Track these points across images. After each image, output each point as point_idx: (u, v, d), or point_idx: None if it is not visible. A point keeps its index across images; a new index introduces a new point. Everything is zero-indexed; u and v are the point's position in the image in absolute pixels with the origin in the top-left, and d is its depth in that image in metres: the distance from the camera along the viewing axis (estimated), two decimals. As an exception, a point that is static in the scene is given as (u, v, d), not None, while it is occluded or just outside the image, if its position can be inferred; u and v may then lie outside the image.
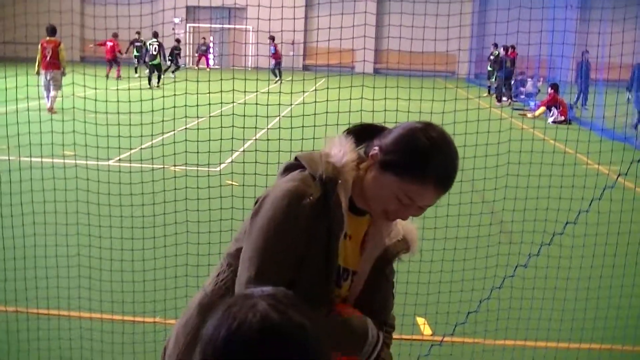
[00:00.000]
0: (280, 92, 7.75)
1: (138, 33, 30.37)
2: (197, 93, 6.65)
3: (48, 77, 18.02)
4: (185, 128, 7.35)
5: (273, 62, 33.03)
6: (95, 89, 7.02)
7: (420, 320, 5.94)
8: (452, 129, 6.16)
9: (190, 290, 5.43)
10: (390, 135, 2.30)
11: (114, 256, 6.21)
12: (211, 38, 41.18)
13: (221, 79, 6.71)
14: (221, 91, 6.62)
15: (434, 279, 5.77)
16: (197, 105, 6.79)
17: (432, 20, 7.51)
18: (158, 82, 26.32)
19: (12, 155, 7.48)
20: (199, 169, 7.74)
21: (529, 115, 21.77)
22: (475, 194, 8.47)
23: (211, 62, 38.94)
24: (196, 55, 38.01)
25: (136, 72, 31.48)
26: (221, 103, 6.90)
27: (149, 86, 24.64)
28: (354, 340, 2.35)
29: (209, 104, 6.81)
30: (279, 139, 6.70)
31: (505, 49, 27.51)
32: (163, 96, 6.96)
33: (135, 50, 32.16)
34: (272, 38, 31.75)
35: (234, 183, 8.03)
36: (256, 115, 6.94)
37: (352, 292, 2.47)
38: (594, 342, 5.48)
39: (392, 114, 6.62)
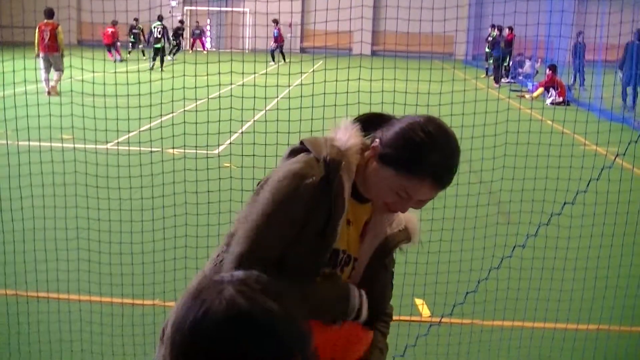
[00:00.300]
0: (278, 73, 7.75)
1: (136, 20, 30.46)
2: (195, 75, 6.64)
3: (49, 60, 18.18)
4: (184, 110, 7.35)
5: (274, 44, 32.90)
6: (94, 72, 7.01)
7: (418, 301, 5.96)
8: (450, 110, 6.20)
9: (190, 272, 5.45)
10: (392, 129, 2.30)
11: (113, 239, 6.22)
12: (208, 21, 41.06)
13: (219, 61, 6.70)
14: (219, 73, 6.61)
15: (432, 260, 5.78)
16: (196, 88, 6.79)
17: (429, 1, 7.49)
18: (162, 65, 26.33)
19: (10, 139, 7.48)
20: (197, 151, 7.74)
21: (527, 96, 21.75)
22: (473, 174, 8.48)
23: (208, 45, 38.83)
24: (190, 39, 37.96)
25: (128, 54, 31.62)
26: (219, 85, 6.90)
27: (151, 68, 24.62)
28: (336, 298, 2.37)
29: (207, 86, 6.81)
30: (277, 120, 6.70)
31: (500, 29, 27.52)
32: (161, 79, 6.96)
33: (132, 36, 32.20)
34: (276, 21, 31.68)
35: (232, 166, 8.04)
36: (254, 97, 6.93)
37: (352, 279, 2.48)
38: (591, 323, 5.51)
39: (389, 95, 6.62)
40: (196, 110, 6.81)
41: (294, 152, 2.39)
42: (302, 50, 41.58)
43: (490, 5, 27.01)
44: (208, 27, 40.47)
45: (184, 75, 6.85)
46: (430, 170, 2.21)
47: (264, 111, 9.39)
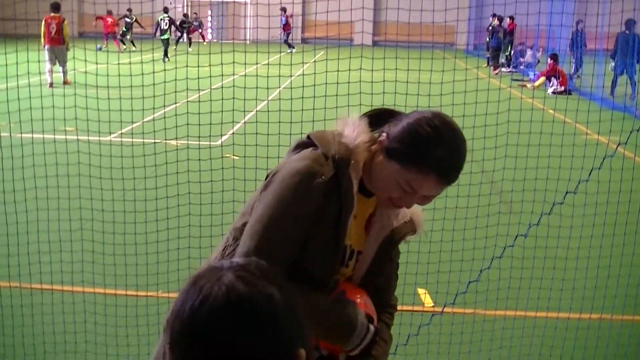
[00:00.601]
0: (280, 64, 7.75)
1: (129, 10, 30.66)
2: (198, 66, 6.65)
3: (54, 53, 18.60)
4: (187, 101, 7.35)
5: (284, 34, 33.16)
6: (97, 63, 7.02)
7: (421, 291, 5.98)
8: (451, 100, 6.20)
9: (193, 262, 5.47)
10: (399, 123, 2.29)
11: (117, 229, 6.23)
12: (209, 12, 40.98)
13: (221, 52, 6.71)
14: (222, 64, 6.61)
15: (435, 249, 5.80)
16: (198, 78, 6.79)
17: (430, -10, 7.48)
18: (168, 56, 26.64)
19: (14, 131, 7.49)
20: (200, 143, 7.75)
21: (529, 85, 21.73)
22: (475, 164, 8.48)
23: (209, 35, 38.79)
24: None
25: (124, 44, 31.76)
26: (222, 75, 6.91)
27: (167, 59, 25.21)
28: (340, 327, 2.33)
29: (210, 76, 6.82)
30: (279, 111, 6.70)
31: (500, 18, 27.54)
32: (164, 69, 6.96)
33: (124, 26, 32.46)
34: (284, 9, 31.85)
35: (234, 157, 8.05)
36: (256, 88, 6.94)
37: (356, 272, 2.48)
38: (593, 312, 5.52)
39: (390, 85, 6.63)
40: (199, 101, 6.81)
41: (300, 146, 2.39)
42: (304, 40, 41.52)
43: (491, -6, 27.02)
44: (209, 19, 40.41)
45: (187, 66, 6.87)
46: (435, 165, 2.21)
47: (266, 101, 9.40)
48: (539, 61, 27.04)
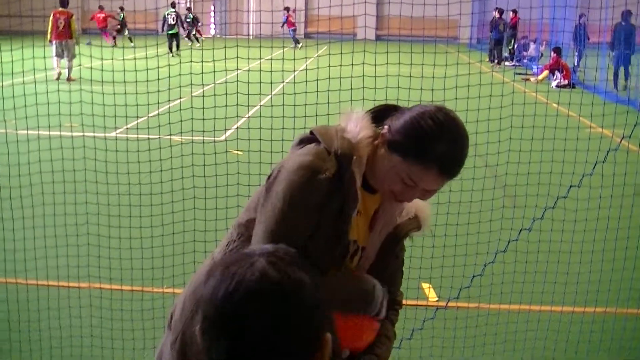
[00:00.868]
0: (283, 59, 7.75)
1: (121, 8, 30.98)
2: (202, 61, 6.66)
3: (62, 47, 18.85)
4: (191, 96, 7.37)
5: (290, 30, 33.58)
6: (102, 59, 7.03)
7: (425, 285, 5.99)
8: (454, 94, 6.20)
9: (198, 256, 5.48)
10: (402, 117, 2.29)
11: (123, 223, 6.25)
12: (212, 7, 40.91)
13: (225, 47, 6.71)
14: (225, 59, 6.62)
15: (439, 244, 5.80)
16: (202, 73, 6.80)
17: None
18: (178, 49, 26.97)
19: (19, 126, 7.51)
20: (204, 138, 7.75)
21: (532, 79, 21.70)
22: (479, 158, 8.48)
23: (212, 31, 38.73)
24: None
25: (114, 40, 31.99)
26: (225, 70, 6.91)
27: (171, 54, 25.47)
28: (361, 295, 2.37)
29: (214, 71, 6.82)
30: (283, 105, 6.71)
31: (500, 12, 27.53)
32: (169, 65, 6.98)
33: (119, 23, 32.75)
34: (287, 9, 32.27)
35: (237, 152, 8.06)
36: (260, 82, 6.94)
37: (361, 268, 2.48)
38: (598, 305, 5.52)
39: (393, 79, 6.62)
40: (203, 96, 6.83)
41: (303, 141, 2.39)
42: (307, 35, 41.47)
43: (495, -12, 27.05)
44: (212, 14, 40.34)
45: (191, 61, 6.87)
46: (436, 159, 2.21)
47: (270, 96, 9.41)
48: (542, 55, 27.00)
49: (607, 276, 5.64)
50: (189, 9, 33.04)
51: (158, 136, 7.99)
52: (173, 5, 28.00)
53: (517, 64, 27.65)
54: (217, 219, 5.87)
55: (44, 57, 9.88)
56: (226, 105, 6.64)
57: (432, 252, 5.73)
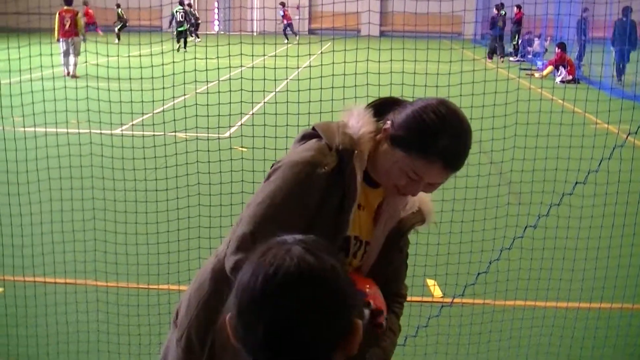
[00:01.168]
0: (287, 55, 7.76)
1: (118, 5, 31.10)
2: (206, 58, 6.66)
3: (69, 44, 19.16)
4: (196, 93, 7.38)
5: (285, 23, 33.69)
6: (108, 56, 7.04)
7: (430, 282, 5.99)
8: (459, 90, 6.19)
9: (203, 253, 5.49)
10: (404, 111, 2.29)
11: (128, 219, 6.26)
12: (216, 4, 40.89)
13: (229, 44, 6.71)
14: (229, 55, 6.62)
15: (444, 241, 5.80)
16: (207, 70, 6.80)
17: (437, -20, 7.45)
18: (185, 46, 27.47)
19: (27, 123, 7.53)
20: (209, 134, 7.75)
21: (537, 75, 21.66)
22: (483, 155, 8.47)
23: (216, 28, 38.74)
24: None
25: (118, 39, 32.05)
26: (229, 67, 6.92)
27: (185, 50, 25.95)
28: None
29: (218, 68, 6.82)
30: (287, 102, 6.71)
31: (500, 8, 27.59)
32: (173, 62, 6.97)
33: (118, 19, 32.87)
34: (283, 4, 32.37)
35: (242, 149, 8.06)
36: (264, 79, 6.94)
37: (365, 262, 2.48)
38: (604, 302, 5.51)
39: (397, 76, 6.62)
40: (207, 93, 6.82)
41: (305, 137, 2.39)
42: (310, 31, 41.42)
43: (499, -16, 27.05)
44: (216, 11, 40.34)
45: (195, 58, 6.87)
46: (440, 152, 2.21)
47: (274, 93, 9.40)
48: (546, 50, 26.96)
49: (612, 272, 5.63)
50: (189, 5, 33.06)
51: (163, 133, 8.00)
52: (181, 2, 28.21)
53: (521, 59, 27.60)
54: (221, 215, 5.87)
55: (51, 54, 9.90)
56: (230, 102, 6.64)
57: (437, 249, 5.73)
